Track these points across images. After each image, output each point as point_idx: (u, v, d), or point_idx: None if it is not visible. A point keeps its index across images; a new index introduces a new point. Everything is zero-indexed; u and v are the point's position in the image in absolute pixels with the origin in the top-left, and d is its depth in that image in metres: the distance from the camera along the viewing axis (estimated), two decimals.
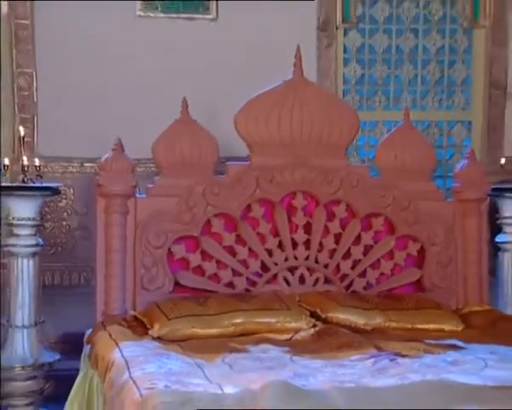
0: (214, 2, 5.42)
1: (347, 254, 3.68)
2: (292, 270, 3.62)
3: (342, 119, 3.69)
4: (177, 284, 3.49)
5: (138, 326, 3.19)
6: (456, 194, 3.84)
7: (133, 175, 3.46)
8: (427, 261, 3.77)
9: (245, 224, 3.58)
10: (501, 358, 2.81)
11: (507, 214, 3.87)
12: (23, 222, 3.45)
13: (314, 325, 3.23)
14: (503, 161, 4.18)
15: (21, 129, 4.03)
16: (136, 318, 3.28)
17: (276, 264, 3.60)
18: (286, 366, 2.68)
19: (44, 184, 3.60)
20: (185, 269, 3.52)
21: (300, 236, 3.63)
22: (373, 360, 2.73)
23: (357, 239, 3.70)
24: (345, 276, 3.68)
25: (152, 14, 5.38)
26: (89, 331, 3.30)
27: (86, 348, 3.23)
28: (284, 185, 3.62)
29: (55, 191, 3.64)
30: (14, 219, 3.46)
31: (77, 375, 3.13)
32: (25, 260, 3.47)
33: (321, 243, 3.65)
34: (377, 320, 3.31)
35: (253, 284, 3.57)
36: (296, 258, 3.62)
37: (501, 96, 5.78)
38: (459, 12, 5.86)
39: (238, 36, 5.30)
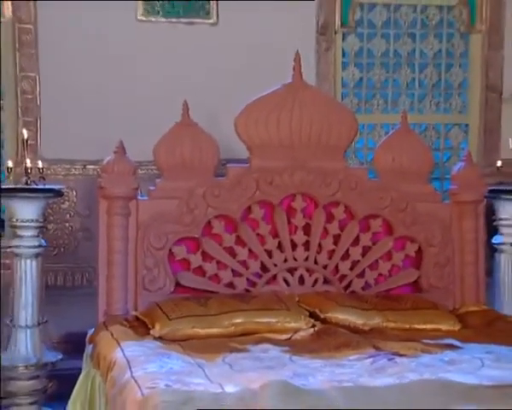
0: (215, 7, 5.45)
1: (346, 255, 3.70)
2: (291, 271, 3.64)
3: (341, 122, 3.71)
4: (178, 284, 3.50)
5: (140, 326, 3.20)
6: (454, 196, 3.85)
7: (135, 177, 3.47)
8: (424, 262, 3.79)
9: (245, 225, 3.59)
10: (497, 357, 2.82)
11: (503, 216, 3.89)
12: (26, 224, 3.47)
13: (313, 325, 3.24)
14: (499, 163, 4.18)
15: (25, 132, 4.00)
16: (137, 318, 3.29)
17: (275, 265, 3.62)
18: (285, 365, 2.69)
19: (47, 187, 3.61)
20: (186, 270, 3.53)
21: (300, 237, 3.65)
22: (371, 359, 2.75)
23: (356, 240, 3.71)
24: (343, 276, 3.69)
25: (153, 19, 5.40)
26: (91, 331, 3.31)
27: (88, 348, 3.24)
28: (284, 187, 3.64)
29: (58, 193, 3.66)
30: (17, 220, 3.48)
31: (79, 374, 3.14)
32: (28, 261, 3.49)
33: (320, 245, 3.67)
34: (375, 320, 3.32)
35: (253, 284, 3.58)
36: (295, 259, 3.64)
37: (497, 99, 5.81)
38: (456, 17, 5.89)
39: (238, 40, 5.31)
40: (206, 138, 3.61)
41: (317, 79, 5.47)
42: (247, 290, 3.57)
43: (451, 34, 5.91)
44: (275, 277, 3.62)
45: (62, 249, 5.33)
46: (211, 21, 5.47)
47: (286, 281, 3.63)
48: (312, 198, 3.69)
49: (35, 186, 3.55)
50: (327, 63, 5.64)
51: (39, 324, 3.53)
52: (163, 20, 5.42)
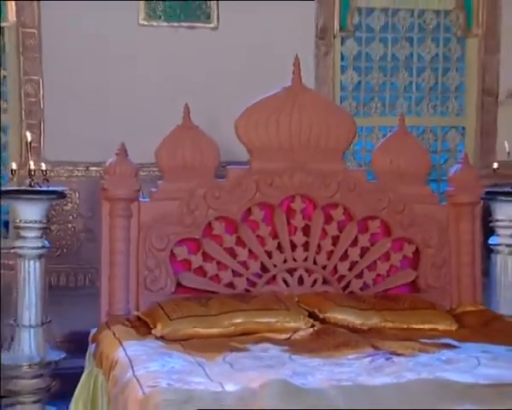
0: (215, 11, 5.47)
1: (345, 256, 3.72)
2: (291, 271, 3.66)
3: (339, 124, 3.73)
4: (179, 284, 3.52)
5: (141, 326, 3.21)
6: (450, 197, 3.87)
7: (136, 179, 3.49)
8: (422, 263, 3.81)
9: (245, 226, 3.61)
10: (493, 357, 2.84)
11: (500, 217, 3.91)
12: (30, 225, 3.49)
13: (312, 325, 3.26)
14: (495, 165, 4.16)
15: (28, 134, 4.02)
16: (139, 318, 3.31)
17: (275, 265, 3.63)
18: (285, 364, 2.71)
19: (51, 188, 3.61)
20: (187, 270, 3.55)
21: (299, 238, 3.67)
22: (369, 358, 2.77)
23: (354, 241, 3.73)
24: (342, 277, 3.71)
25: (155, 23, 5.42)
26: (94, 331, 3.33)
27: (91, 347, 3.26)
28: (283, 189, 3.65)
29: (61, 195, 3.66)
30: (21, 221, 3.49)
31: (82, 373, 3.16)
32: (31, 262, 3.50)
33: (319, 245, 3.69)
34: (374, 320, 3.33)
35: (253, 284, 3.60)
36: (295, 259, 3.66)
37: (493, 102, 5.83)
38: (453, 21, 5.90)
39: (238, 44, 5.33)
40: (206, 141, 3.63)
41: (316, 82, 5.49)
42: (247, 290, 3.58)
43: (448, 38, 5.94)
44: (274, 277, 3.64)
45: (65, 250, 5.34)
46: (211, 26, 5.49)
47: (285, 281, 3.65)
48: (311, 199, 3.71)
49: (38, 188, 3.55)
50: (326, 67, 5.66)
51: (43, 323, 3.54)
52: (165, 24, 5.44)
